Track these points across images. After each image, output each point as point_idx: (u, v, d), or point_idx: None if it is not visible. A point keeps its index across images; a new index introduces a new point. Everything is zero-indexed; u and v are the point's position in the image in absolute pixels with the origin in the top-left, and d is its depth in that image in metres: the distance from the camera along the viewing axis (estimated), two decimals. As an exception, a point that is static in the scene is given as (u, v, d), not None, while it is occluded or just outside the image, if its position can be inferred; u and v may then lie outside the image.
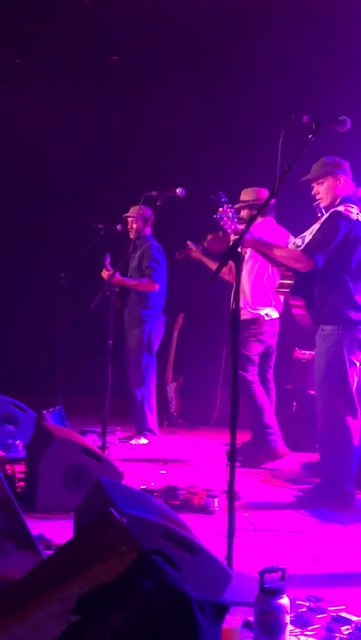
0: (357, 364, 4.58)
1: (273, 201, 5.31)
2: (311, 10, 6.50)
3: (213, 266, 5.89)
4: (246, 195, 5.94)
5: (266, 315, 5.90)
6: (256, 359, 5.97)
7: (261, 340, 5.95)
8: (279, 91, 7.22)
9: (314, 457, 5.53)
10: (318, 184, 4.71)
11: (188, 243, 6.20)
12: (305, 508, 4.51)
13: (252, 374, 5.90)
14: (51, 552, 3.17)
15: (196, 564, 2.73)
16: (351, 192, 4.70)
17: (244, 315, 5.66)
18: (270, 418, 5.89)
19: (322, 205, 4.73)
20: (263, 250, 4.78)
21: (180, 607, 1.55)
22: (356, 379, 4.57)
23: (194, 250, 6.17)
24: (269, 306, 5.93)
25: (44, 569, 2.05)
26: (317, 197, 4.74)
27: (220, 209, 4.87)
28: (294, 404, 6.72)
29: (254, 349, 5.92)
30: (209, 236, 6.11)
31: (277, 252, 4.68)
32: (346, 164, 4.72)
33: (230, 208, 4.92)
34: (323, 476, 4.76)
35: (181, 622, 1.53)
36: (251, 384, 5.86)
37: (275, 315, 5.97)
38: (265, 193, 5.84)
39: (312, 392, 6.13)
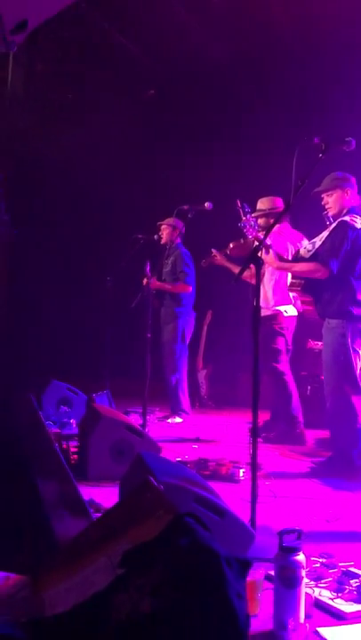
0: (360, 351, 4.54)
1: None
2: (317, 55, 6.45)
3: (236, 269, 5.82)
4: (263, 204, 5.86)
5: (285, 311, 5.81)
6: (284, 350, 5.84)
7: (284, 333, 5.83)
8: (293, 118, 7.18)
9: (326, 433, 5.48)
10: (328, 195, 4.67)
11: (213, 250, 6.12)
12: (318, 478, 4.48)
13: (283, 365, 5.78)
14: (100, 514, 3.19)
15: (224, 525, 2.72)
16: (357, 203, 4.64)
17: (265, 312, 5.62)
18: (297, 409, 5.76)
19: (330, 214, 4.68)
20: (286, 269, 4.93)
21: (210, 562, 1.53)
22: (359, 364, 4.53)
23: (218, 257, 6.08)
24: (289, 304, 5.85)
25: (93, 530, 2.04)
26: (327, 207, 4.69)
27: (244, 218, 4.87)
28: (308, 387, 6.68)
29: (280, 342, 5.80)
30: (231, 244, 6.03)
31: (298, 269, 4.71)
32: (353, 179, 4.66)
33: (252, 217, 4.92)
34: (333, 449, 4.74)
35: (211, 575, 1.52)
36: (283, 375, 5.75)
37: (293, 312, 5.84)
38: (279, 201, 5.77)
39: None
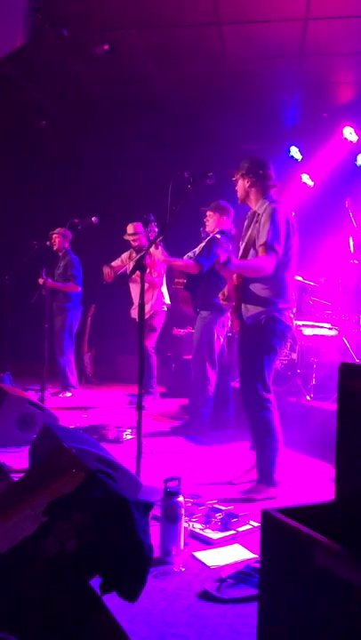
0: (222, 339, 4.75)
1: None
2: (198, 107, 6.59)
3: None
4: (129, 229, 6.06)
5: (165, 305, 6.13)
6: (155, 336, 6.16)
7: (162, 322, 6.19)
8: (171, 155, 7.32)
9: (185, 401, 5.66)
10: (210, 215, 4.82)
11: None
12: (183, 436, 4.63)
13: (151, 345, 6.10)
14: (10, 474, 3.11)
15: (118, 477, 2.76)
16: (227, 227, 4.80)
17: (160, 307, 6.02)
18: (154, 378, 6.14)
19: (207, 230, 4.83)
20: (170, 263, 5.01)
21: (121, 506, 1.58)
22: (219, 346, 4.75)
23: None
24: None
25: (16, 487, 2.02)
26: (206, 223, 4.84)
27: (149, 225, 5.10)
28: (173, 365, 6.85)
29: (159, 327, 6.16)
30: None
31: (177, 264, 4.83)
32: (231, 210, 4.81)
33: (156, 226, 5.09)
34: (191, 412, 4.87)
35: (122, 516, 1.57)
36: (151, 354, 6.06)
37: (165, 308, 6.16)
38: (139, 226, 5.96)
39: (186, 357, 6.30)
